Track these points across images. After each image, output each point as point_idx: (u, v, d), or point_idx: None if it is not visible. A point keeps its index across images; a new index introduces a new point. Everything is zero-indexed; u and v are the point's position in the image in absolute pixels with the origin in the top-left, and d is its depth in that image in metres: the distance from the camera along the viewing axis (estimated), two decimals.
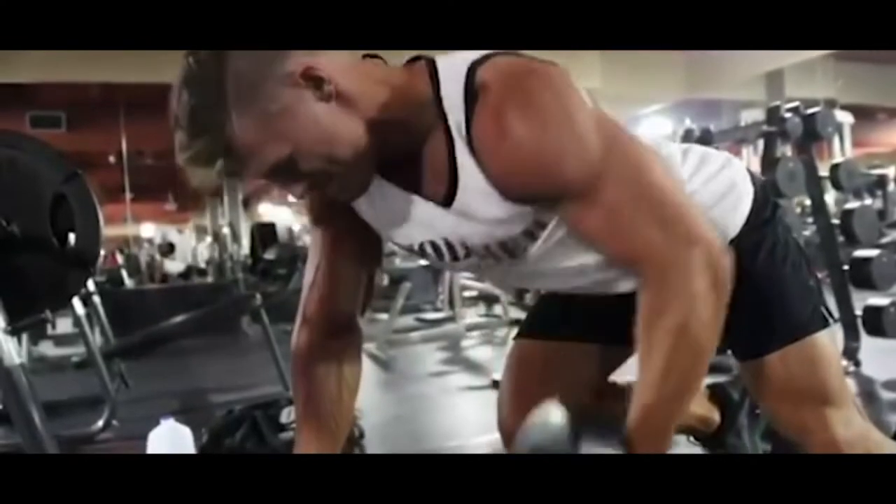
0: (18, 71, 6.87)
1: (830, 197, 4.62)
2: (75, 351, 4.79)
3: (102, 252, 2.21)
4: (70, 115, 9.77)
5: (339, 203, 1.19)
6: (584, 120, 0.97)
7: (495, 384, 2.75)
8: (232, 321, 5.81)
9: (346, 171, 1.01)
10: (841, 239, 3.46)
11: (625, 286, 1.23)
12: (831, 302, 1.31)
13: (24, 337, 4.48)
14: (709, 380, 1.68)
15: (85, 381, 3.67)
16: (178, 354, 4.80)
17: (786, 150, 3.51)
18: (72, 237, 1.95)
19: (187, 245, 11.96)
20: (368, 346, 4.54)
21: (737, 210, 1.20)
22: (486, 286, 6.19)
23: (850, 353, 3.37)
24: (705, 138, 3.87)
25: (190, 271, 10.77)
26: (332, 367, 1.26)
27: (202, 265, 11.14)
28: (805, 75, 8.62)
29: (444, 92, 1.00)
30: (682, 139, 3.94)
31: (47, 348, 5.71)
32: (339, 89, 0.97)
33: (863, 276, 3.23)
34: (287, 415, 2.27)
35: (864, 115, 10.39)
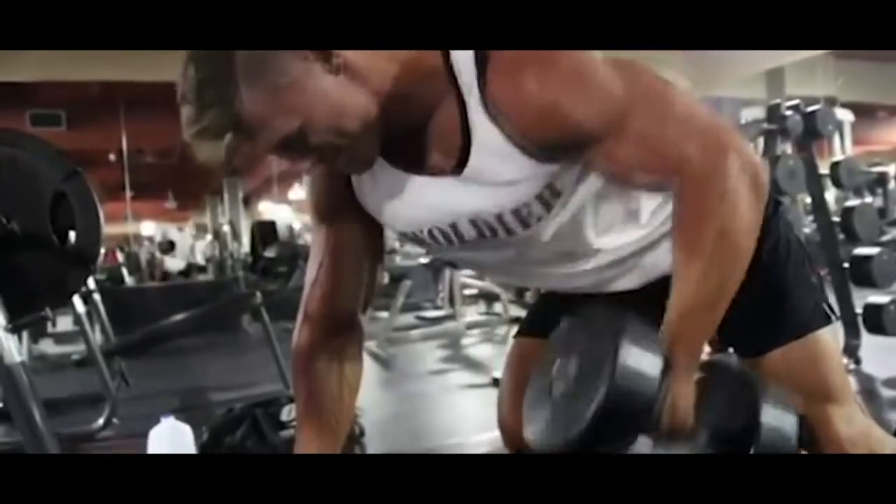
0: (19, 69, 6.87)
1: (831, 195, 4.62)
2: (76, 349, 4.79)
3: (102, 250, 2.21)
4: (70, 114, 9.77)
5: (344, 200, 1.19)
6: (602, 63, 0.98)
7: (495, 382, 2.75)
8: (232, 319, 5.82)
9: (354, 145, 1.01)
10: (841, 237, 3.46)
11: (622, 284, 1.23)
12: (832, 300, 1.31)
13: (25, 335, 4.49)
14: None
15: (85, 379, 3.68)
16: (178, 352, 4.81)
17: (786, 147, 3.50)
18: (72, 235, 1.95)
19: (187, 243, 11.96)
20: (369, 344, 4.54)
21: None
22: (487, 284, 6.19)
23: (851, 350, 3.38)
24: None
25: (190, 269, 10.78)
26: (334, 365, 1.26)
27: (200, 262, 11.15)
28: (805, 73, 8.62)
29: (453, 58, 1.00)
30: None
31: (48, 346, 5.71)
32: (347, 62, 0.97)
33: (863, 273, 3.24)
34: (287, 413, 2.27)
35: (864, 112, 10.39)
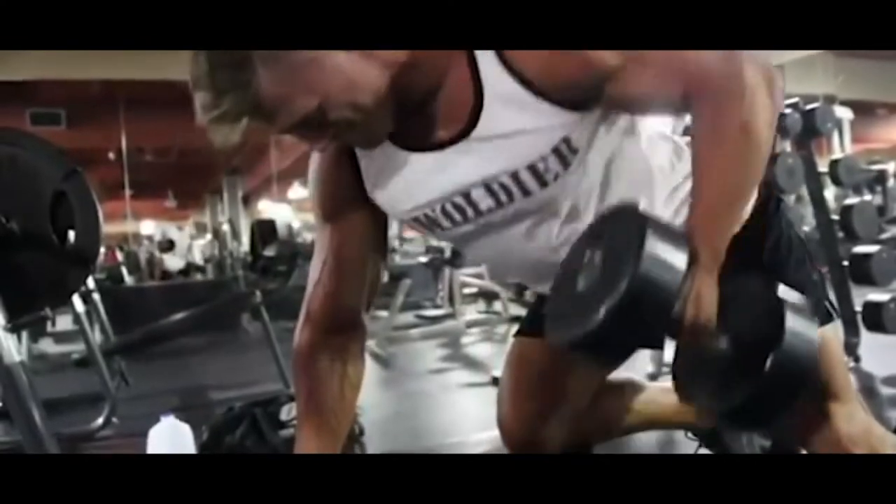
0: (18, 68, 6.87)
1: (830, 193, 4.62)
2: (75, 348, 4.78)
3: (102, 249, 2.21)
4: (70, 113, 9.76)
5: (349, 198, 1.19)
6: None
7: (495, 381, 2.75)
8: (232, 318, 5.81)
9: (370, 119, 1.02)
10: (841, 235, 3.46)
11: None
12: (831, 297, 1.31)
13: (24, 334, 4.49)
14: None
15: (85, 379, 3.67)
16: (178, 352, 4.81)
17: (785, 145, 3.50)
18: (71, 234, 1.95)
19: (186, 242, 11.96)
20: (368, 343, 4.51)
21: None
22: (486, 283, 6.19)
23: (850, 348, 3.37)
24: None
25: (190, 268, 10.77)
26: (336, 364, 1.26)
27: (198, 261, 11.14)
28: (805, 71, 8.61)
29: None
30: (683, 135, 3.93)
31: (47, 346, 5.70)
32: None
33: (862, 271, 3.23)
34: (287, 412, 2.27)
35: (863, 110, 10.37)
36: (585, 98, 1.04)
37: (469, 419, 3.17)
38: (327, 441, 1.24)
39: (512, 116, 1.03)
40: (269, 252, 8.52)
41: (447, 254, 6.13)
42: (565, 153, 1.06)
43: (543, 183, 1.08)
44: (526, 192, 1.09)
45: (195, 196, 17.78)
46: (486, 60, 1.01)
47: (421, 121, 1.07)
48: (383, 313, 5.54)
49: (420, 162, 1.10)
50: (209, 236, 12.81)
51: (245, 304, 4.40)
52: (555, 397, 1.41)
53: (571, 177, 1.09)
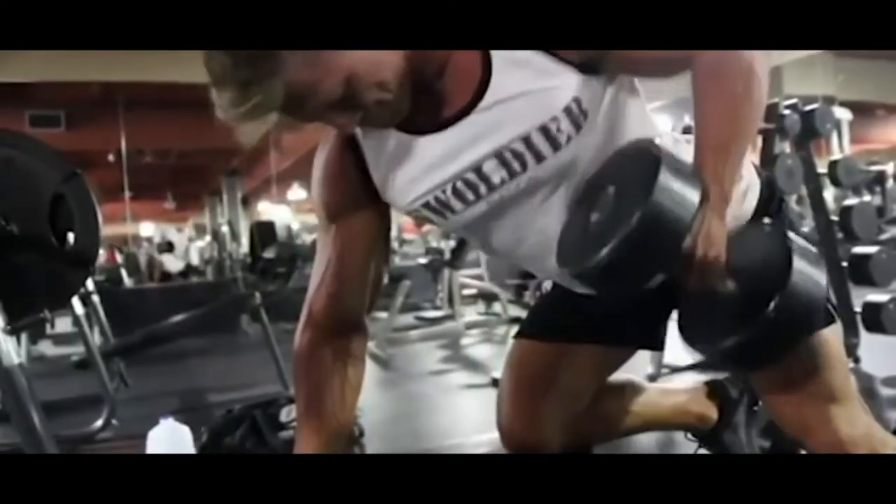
0: (17, 70, 6.86)
1: (829, 193, 4.62)
2: (74, 350, 4.78)
3: (102, 251, 2.21)
4: (69, 114, 9.77)
5: (353, 200, 1.19)
6: None
7: (495, 382, 2.75)
8: (231, 320, 5.81)
9: (393, 97, 1.03)
10: (840, 235, 3.46)
11: None
12: (831, 298, 1.30)
13: (24, 336, 4.48)
14: (707, 377, 1.69)
15: (84, 381, 3.67)
16: (177, 353, 4.80)
17: (784, 146, 3.50)
18: (71, 236, 1.95)
19: (185, 244, 11.97)
20: (368, 345, 4.51)
21: (745, 200, 1.21)
22: (486, 284, 6.19)
23: (850, 349, 3.37)
24: None
25: (189, 270, 10.78)
26: (337, 366, 1.26)
27: (195, 263, 11.15)
28: (804, 72, 8.61)
29: None
30: (684, 132, 3.93)
31: (46, 348, 5.70)
32: None
33: (862, 272, 3.23)
34: (286, 414, 2.27)
35: (862, 111, 10.39)
36: (591, 58, 1.05)
37: (468, 421, 3.17)
38: (327, 443, 1.24)
39: (520, 78, 1.04)
40: (269, 254, 8.51)
41: (446, 255, 6.13)
42: (576, 114, 1.06)
43: (556, 146, 1.07)
44: (539, 158, 1.08)
45: (194, 198, 17.79)
46: None
47: (429, 101, 1.07)
48: (383, 315, 5.54)
49: (430, 144, 1.10)
50: (208, 238, 12.81)
51: (244, 305, 4.40)
52: (555, 399, 1.41)
53: (584, 139, 1.08)
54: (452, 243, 6.42)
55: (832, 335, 1.20)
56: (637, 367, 2.94)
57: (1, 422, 2.75)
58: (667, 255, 0.95)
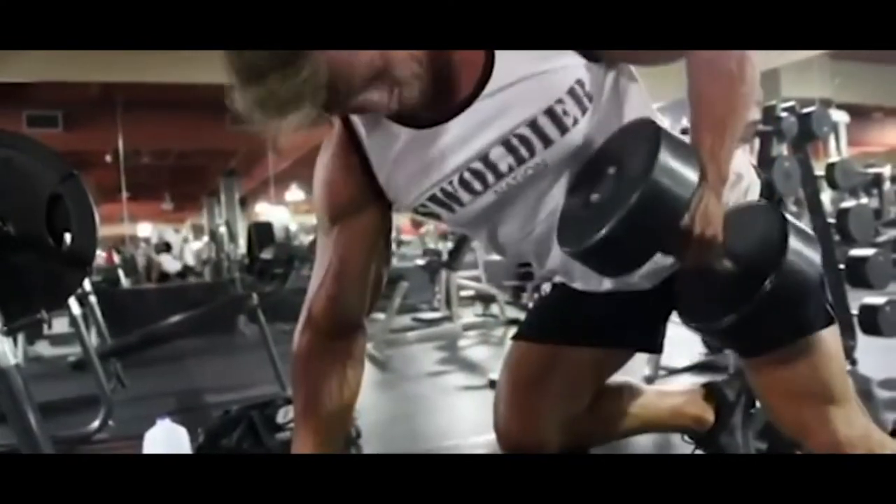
0: (15, 70, 6.86)
1: (826, 196, 4.63)
2: (71, 351, 4.77)
3: (99, 251, 2.21)
4: (67, 115, 9.77)
5: (355, 201, 1.19)
6: None
7: (492, 384, 2.75)
8: (228, 321, 5.80)
9: (424, 70, 1.02)
10: (837, 238, 3.46)
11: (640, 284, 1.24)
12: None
13: (20, 337, 4.47)
14: (704, 379, 1.70)
15: (81, 382, 3.66)
16: (174, 354, 4.79)
17: (781, 149, 3.51)
18: (68, 237, 1.94)
19: (183, 244, 11.97)
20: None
21: (746, 199, 1.22)
22: (483, 286, 6.19)
23: (847, 351, 3.37)
24: None
25: (187, 270, 10.77)
26: (335, 368, 1.26)
27: (190, 263, 11.14)
28: (801, 75, 8.63)
29: None
30: (682, 133, 3.94)
31: (43, 348, 5.69)
32: None
33: (859, 274, 3.24)
34: (284, 415, 2.26)
35: (859, 114, 10.41)
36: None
37: (466, 422, 3.17)
38: (324, 444, 1.24)
39: (523, 62, 1.04)
40: (266, 254, 8.50)
41: (444, 256, 6.13)
42: (580, 95, 1.07)
43: (563, 129, 1.08)
44: (547, 142, 1.09)
45: (192, 198, 17.78)
46: None
47: (433, 92, 1.06)
48: (380, 316, 5.54)
49: (435, 136, 1.10)
50: (206, 238, 12.80)
51: (242, 306, 4.38)
52: (552, 401, 1.41)
53: (590, 121, 1.09)
54: (450, 245, 6.43)
55: (830, 336, 1.21)
56: (634, 369, 2.94)
57: None
58: (666, 234, 0.96)
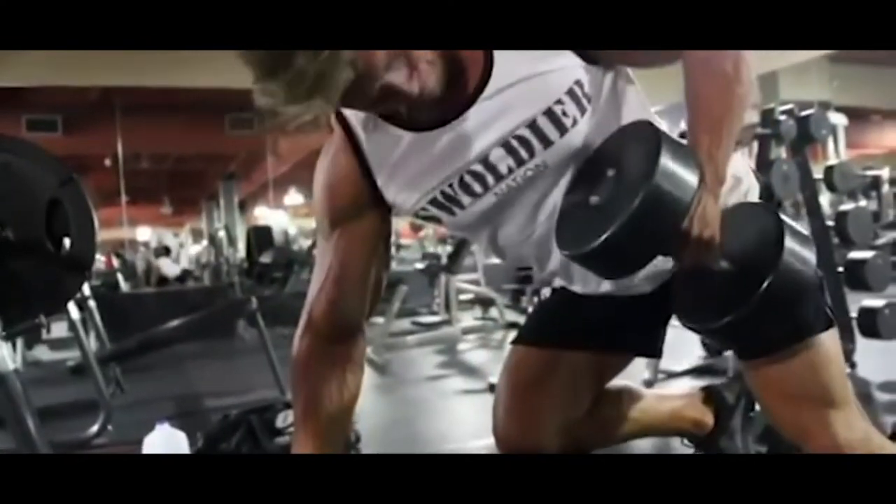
0: (15, 74, 6.86)
1: (825, 199, 4.63)
2: (70, 355, 4.77)
3: (98, 256, 2.21)
4: (66, 119, 9.78)
5: (356, 205, 1.19)
6: None
7: (491, 388, 2.75)
8: (228, 325, 5.79)
9: (437, 58, 1.02)
10: (836, 241, 3.47)
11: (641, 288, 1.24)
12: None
13: (19, 341, 4.47)
14: (703, 383, 1.69)
15: (80, 386, 3.66)
16: (173, 359, 4.78)
17: (780, 152, 3.51)
18: (67, 241, 1.94)
19: (180, 249, 11.99)
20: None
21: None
22: (482, 289, 6.19)
23: (846, 354, 3.37)
24: None
25: (186, 275, 10.77)
26: (335, 372, 1.26)
27: (188, 267, 11.16)
28: (799, 77, 8.64)
29: None
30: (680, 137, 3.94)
31: (42, 353, 5.68)
32: None
33: (858, 277, 3.24)
34: (283, 419, 2.26)
35: (858, 116, 10.43)
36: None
37: (465, 426, 3.16)
38: (324, 448, 1.24)
39: (522, 63, 1.05)
40: (266, 258, 8.52)
41: (443, 260, 6.13)
42: (579, 96, 1.08)
43: (563, 130, 1.08)
44: (546, 143, 1.09)
45: (191, 202, 17.78)
46: None
47: (441, 87, 1.05)
48: (379, 320, 5.54)
49: (435, 139, 1.10)
50: (205, 242, 12.81)
51: (241, 310, 4.38)
52: (552, 405, 1.41)
53: (589, 122, 1.09)
54: (449, 248, 6.43)
55: (829, 339, 1.21)
56: (633, 372, 2.94)
57: None
58: (666, 237, 0.97)
